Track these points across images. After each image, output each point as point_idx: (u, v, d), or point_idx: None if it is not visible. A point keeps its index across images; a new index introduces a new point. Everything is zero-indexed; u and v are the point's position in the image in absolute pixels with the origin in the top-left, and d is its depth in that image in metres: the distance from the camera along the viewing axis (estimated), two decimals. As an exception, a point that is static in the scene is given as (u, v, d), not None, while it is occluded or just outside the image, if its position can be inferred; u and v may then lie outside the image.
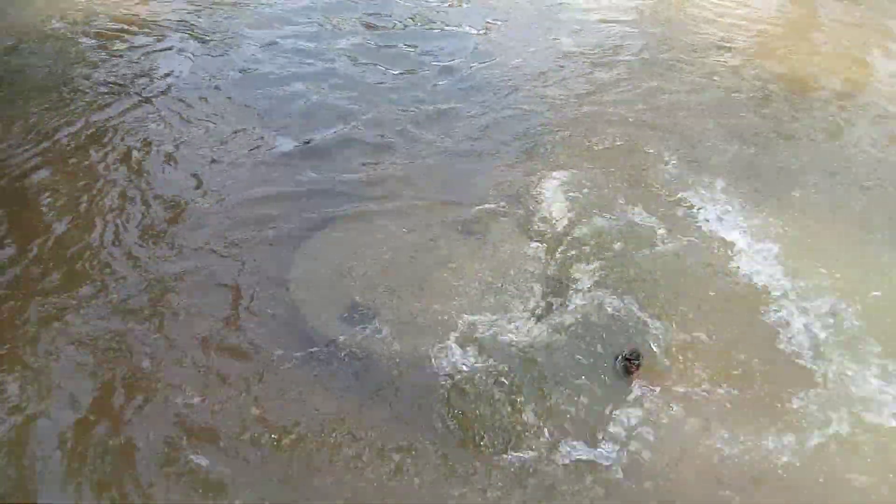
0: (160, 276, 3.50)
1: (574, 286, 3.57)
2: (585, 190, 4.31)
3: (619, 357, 3.18)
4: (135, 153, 4.41)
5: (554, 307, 3.44)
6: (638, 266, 3.72)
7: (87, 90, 5.03)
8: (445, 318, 3.34)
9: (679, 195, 4.33)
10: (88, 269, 3.50)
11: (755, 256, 3.85)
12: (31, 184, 4.05)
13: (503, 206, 4.14)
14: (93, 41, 5.73)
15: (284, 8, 6.92)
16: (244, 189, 4.18)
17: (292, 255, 3.68)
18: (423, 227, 3.94)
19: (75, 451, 2.70)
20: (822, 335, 3.39)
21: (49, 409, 2.85)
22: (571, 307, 3.44)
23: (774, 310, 3.52)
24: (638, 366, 3.14)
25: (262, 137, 4.69)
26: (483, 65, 6.02)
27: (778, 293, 3.62)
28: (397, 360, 3.14)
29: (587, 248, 3.81)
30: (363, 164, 4.49)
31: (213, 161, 4.40)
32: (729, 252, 3.89)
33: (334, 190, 4.21)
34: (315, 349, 3.17)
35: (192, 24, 6.30)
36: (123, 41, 5.81)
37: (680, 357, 3.24)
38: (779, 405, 3.07)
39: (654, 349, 3.26)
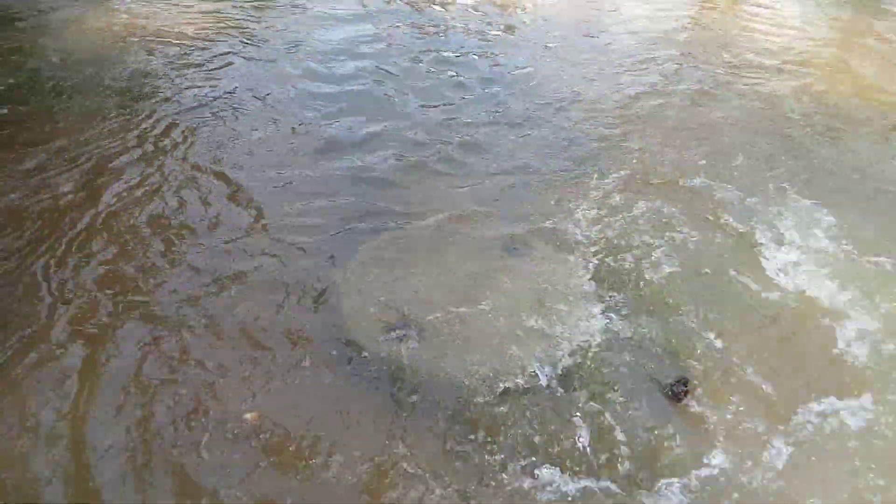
0: (210, 274, 3.57)
1: (621, 305, 3.48)
2: (630, 209, 4.22)
3: (668, 384, 3.09)
4: (188, 153, 4.56)
5: (600, 326, 3.36)
6: (690, 284, 3.62)
7: (147, 98, 5.23)
8: (487, 336, 3.29)
9: (728, 214, 4.21)
10: (132, 260, 3.61)
11: (813, 274, 3.71)
12: (102, 178, 4.25)
13: (546, 224, 4.08)
14: (149, 54, 5.96)
15: (322, 13, 7.14)
16: (294, 195, 4.23)
17: (336, 264, 3.69)
18: (464, 243, 3.91)
19: (85, 447, 2.70)
20: (886, 358, 3.23)
21: (51, 398, 2.86)
22: (618, 326, 3.35)
23: (834, 331, 3.38)
24: (686, 392, 3.04)
25: (310, 144, 4.78)
26: (527, 79, 6.01)
27: (838, 312, 3.48)
28: (436, 376, 3.09)
29: (633, 268, 3.72)
30: (406, 176, 4.50)
31: (261, 164, 4.51)
32: (784, 271, 3.75)
33: (379, 203, 4.23)
34: (352, 359, 3.15)
35: (242, 35, 6.52)
36: (179, 52, 6.03)
37: (734, 381, 3.11)
38: (845, 442, 2.91)
39: (706, 372, 3.14)
